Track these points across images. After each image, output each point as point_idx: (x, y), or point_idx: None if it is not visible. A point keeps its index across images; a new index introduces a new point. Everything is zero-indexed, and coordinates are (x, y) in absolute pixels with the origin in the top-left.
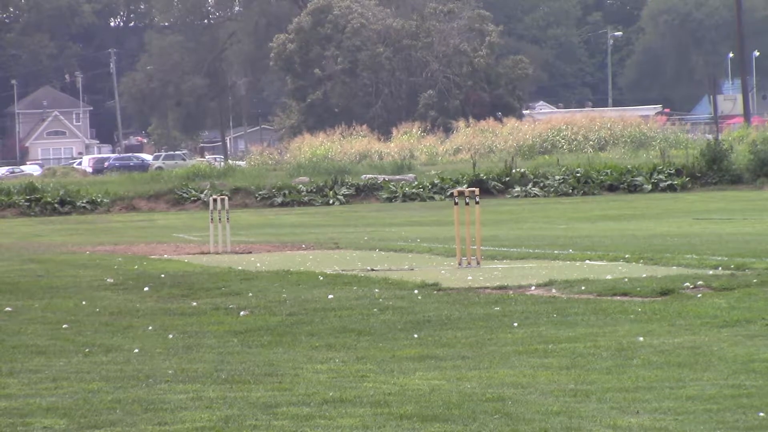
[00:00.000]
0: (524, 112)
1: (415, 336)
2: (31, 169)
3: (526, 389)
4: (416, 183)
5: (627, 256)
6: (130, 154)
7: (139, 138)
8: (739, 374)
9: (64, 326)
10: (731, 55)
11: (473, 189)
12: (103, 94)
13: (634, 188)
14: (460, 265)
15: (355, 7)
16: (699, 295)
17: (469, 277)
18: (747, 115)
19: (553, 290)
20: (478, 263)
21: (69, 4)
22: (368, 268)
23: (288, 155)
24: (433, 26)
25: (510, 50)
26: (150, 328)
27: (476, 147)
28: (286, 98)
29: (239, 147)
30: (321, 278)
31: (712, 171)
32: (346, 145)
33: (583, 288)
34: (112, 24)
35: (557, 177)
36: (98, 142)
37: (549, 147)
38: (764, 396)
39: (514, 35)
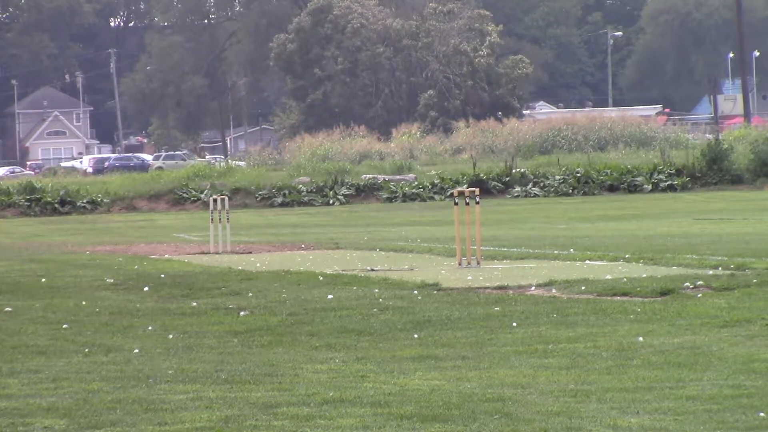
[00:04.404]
0: (524, 112)
1: (415, 336)
2: (80, 165)
3: (526, 389)
4: (416, 183)
5: (627, 256)
6: (130, 154)
7: (140, 138)
8: (739, 374)
9: (64, 326)
10: (731, 55)
11: (473, 189)
12: (103, 94)
13: (634, 188)
14: (460, 265)
15: (355, 7)
16: (699, 295)
17: (469, 277)
18: (747, 115)
19: (553, 290)
20: (478, 263)
21: (69, 4)
22: (368, 268)
23: (288, 155)
24: (433, 26)
25: (510, 50)
26: (150, 328)
27: (476, 147)
28: (286, 98)
29: (240, 147)
30: (321, 278)
31: (713, 171)
32: (346, 145)
33: (583, 288)
34: (112, 24)
35: (557, 177)
36: (98, 142)
37: (549, 147)
38: (764, 396)
39: (514, 35)
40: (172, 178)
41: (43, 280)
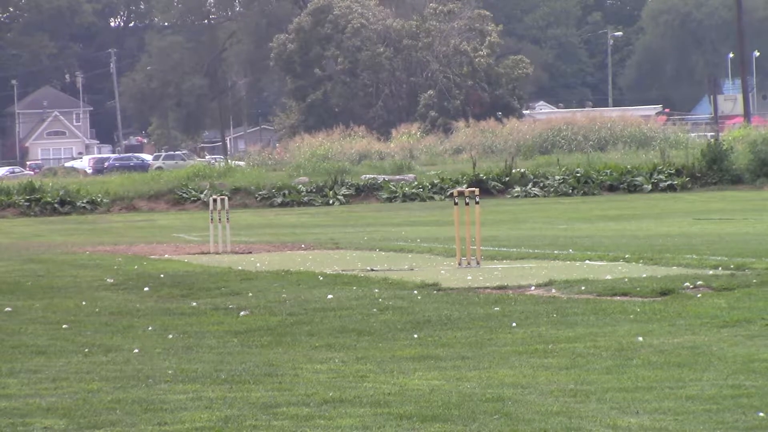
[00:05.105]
0: (524, 112)
1: (415, 336)
2: (81, 164)
3: (525, 389)
4: (416, 183)
5: (627, 256)
6: (130, 154)
7: (139, 138)
8: (738, 374)
9: (64, 326)
10: (731, 55)
11: (473, 189)
12: (103, 94)
13: (634, 188)
14: (459, 265)
15: (355, 7)
16: (699, 295)
17: (469, 277)
18: (747, 115)
19: (553, 290)
20: (477, 263)
21: (69, 4)
22: (368, 268)
23: (288, 155)
24: (433, 26)
25: (510, 50)
26: (150, 328)
27: (476, 147)
28: (286, 98)
29: (239, 147)
30: (321, 278)
31: (712, 171)
32: (346, 145)
33: (582, 288)
34: (112, 24)
35: (557, 177)
36: (98, 142)
37: (549, 147)
38: (764, 396)
39: (514, 35)
40: (172, 178)
41: (41, 280)
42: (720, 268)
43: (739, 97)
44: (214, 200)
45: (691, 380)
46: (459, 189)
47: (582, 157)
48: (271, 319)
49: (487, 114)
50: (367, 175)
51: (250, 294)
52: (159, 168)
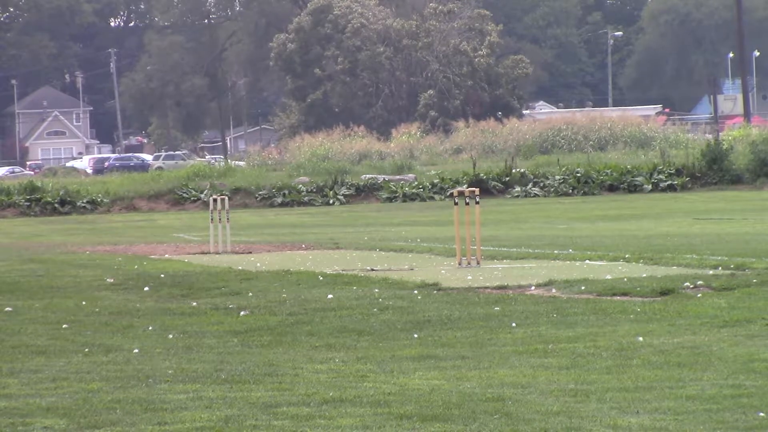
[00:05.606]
0: (524, 112)
1: (415, 336)
2: (81, 164)
3: (525, 389)
4: (416, 183)
5: (627, 256)
6: (130, 154)
7: (139, 138)
8: (738, 374)
9: (64, 326)
10: (731, 55)
11: (473, 189)
12: (103, 94)
13: (634, 188)
14: (460, 265)
15: (355, 7)
16: (699, 295)
17: (469, 277)
18: (747, 115)
19: (553, 290)
20: (478, 263)
21: (69, 4)
22: (368, 268)
23: (288, 155)
24: (433, 26)
25: (510, 50)
26: (150, 328)
27: (476, 147)
28: (286, 98)
29: (240, 147)
30: (321, 278)
31: (712, 171)
32: (346, 145)
33: (582, 288)
34: (112, 24)
35: (557, 177)
36: (98, 142)
37: (549, 147)
38: (764, 396)
39: (514, 35)
40: (172, 178)
41: (41, 280)
42: (720, 268)
43: (739, 96)
44: (214, 200)
45: (691, 380)
46: (459, 189)
47: (582, 157)
48: (271, 319)
49: (487, 114)
50: (367, 175)
51: (250, 294)
52: (159, 168)
